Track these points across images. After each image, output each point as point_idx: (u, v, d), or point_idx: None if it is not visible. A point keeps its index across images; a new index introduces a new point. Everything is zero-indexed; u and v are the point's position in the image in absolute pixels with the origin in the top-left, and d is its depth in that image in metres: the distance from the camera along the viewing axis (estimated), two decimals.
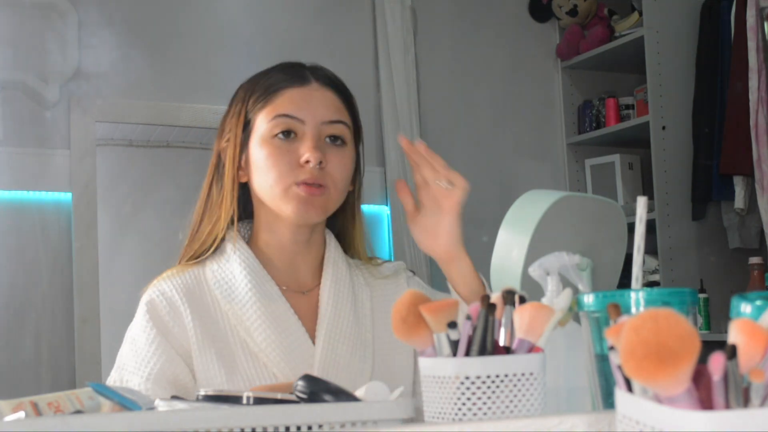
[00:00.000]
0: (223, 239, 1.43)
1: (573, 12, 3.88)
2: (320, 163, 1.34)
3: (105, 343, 3.03)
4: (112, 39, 3.17)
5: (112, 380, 1.35)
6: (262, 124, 1.38)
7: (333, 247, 1.46)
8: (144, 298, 1.39)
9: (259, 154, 1.37)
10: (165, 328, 1.35)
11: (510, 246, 1.12)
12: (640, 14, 3.65)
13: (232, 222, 1.41)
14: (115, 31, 3.18)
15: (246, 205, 1.44)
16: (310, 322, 1.40)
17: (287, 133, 1.36)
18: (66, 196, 3.09)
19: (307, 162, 1.34)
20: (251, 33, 3.40)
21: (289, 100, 1.38)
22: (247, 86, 1.43)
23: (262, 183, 1.38)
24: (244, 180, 1.41)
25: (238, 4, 3.43)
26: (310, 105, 1.38)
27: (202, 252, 1.43)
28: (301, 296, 1.42)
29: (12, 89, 3.05)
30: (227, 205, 1.40)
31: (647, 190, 3.70)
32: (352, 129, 1.44)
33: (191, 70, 3.29)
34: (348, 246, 1.50)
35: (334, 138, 1.39)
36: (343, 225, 1.50)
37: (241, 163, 1.40)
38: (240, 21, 3.42)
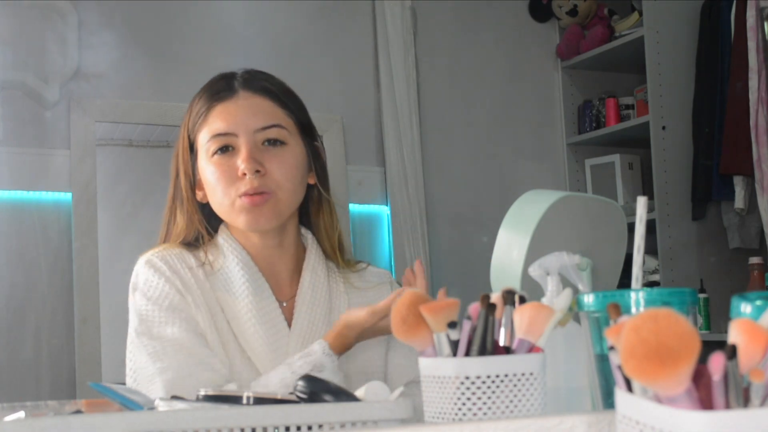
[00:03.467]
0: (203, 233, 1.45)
1: (573, 12, 3.88)
2: (258, 171, 1.36)
3: (105, 343, 3.03)
4: (112, 39, 3.16)
5: (133, 327, 1.35)
6: (203, 144, 1.40)
7: (314, 252, 1.47)
8: (143, 259, 1.41)
9: (205, 172, 1.41)
10: (172, 283, 1.37)
11: (510, 246, 1.12)
12: (640, 14, 3.65)
13: (199, 238, 1.44)
14: (115, 31, 3.18)
15: (210, 220, 1.46)
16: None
17: (225, 149, 1.39)
18: (66, 196, 3.09)
19: (244, 174, 1.36)
20: (251, 33, 3.40)
21: (219, 117, 1.39)
22: (189, 106, 1.45)
23: (213, 200, 1.41)
24: (205, 201, 1.44)
25: (238, 4, 3.43)
26: (239, 117, 1.39)
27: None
28: (281, 305, 1.43)
29: (12, 89, 3.05)
30: (196, 227, 1.43)
31: (647, 190, 3.70)
32: (295, 126, 1.44)
33: (191, 70, 3.29)
34: (323, 244, 1.50)
35: (273, 141, 1.40)
36: (315, 222, 1.50)
37: (199, 184, 1.43)
38: (240, 21, 3.42)
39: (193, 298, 1.37)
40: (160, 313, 1.35)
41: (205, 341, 1.34)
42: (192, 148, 1.43)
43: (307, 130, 1.47)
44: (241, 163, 1.37)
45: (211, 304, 1.38)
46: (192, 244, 1.44)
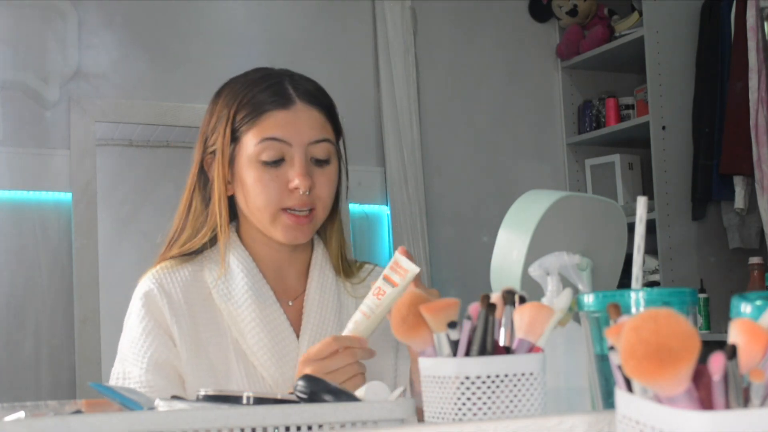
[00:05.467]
0: (215, 240, 1.43)
1: (573, 12, 3.88)
2: (310, 189, 1.36)
3: (105, 343, 3.03)
4: (112, 39, 3.16)
5: (116, 372, 1.37)
6: (250, 144, 1.38)
7: (321, 251, 1.48)
8: (141, 288, 1.40)
9: (247, 175, 1.38)
10: (162, 317, 1.37)
11: (510, 246, 1.12)
12: (640, 14, 3.65)
13: (216, 232, 1.42)
14: (115, 31, 3.18)
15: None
16: (295, 328, 1.41)
17: (276, 160, 1.37)
18: (66, 196, 3.09)
19: (296, 188, 1.36)
20: (251, 33, 3.40)
21: (275, 123, 1.38)
22: (230, 98, 1.42)
23: (249, 205, 1.39)
24: (230, 193, 1.42)
25: (238, 4, 3.43)
26: (296, 127, 1.38)
27: (188, 253, 1.43)
28: (286, 305, 1.43)
29: (12, 89, 3.05)
30: (222, 220, 1.40)
31: (647, 190, 3.70)
32: (336, 140, 1.44)
33: (191, 70, 3.29)
34: (330, 248, 1.50)
35: (319, 161, 1.40)
36: (324, 228, 1.50)
37: (229, 178, 1.41)
38: (240, 21, 3.42)
39: (179, 327, 1.36)
40: (135, 356, 1.35)
41: (171, 380, 1.34)
42: (232, 143, 1.40)
43: (340, 139, 1.47)
44: (295, 177, 1.36)
45: (209, 317, 1.39)
46: (196, 251, 1.43)
